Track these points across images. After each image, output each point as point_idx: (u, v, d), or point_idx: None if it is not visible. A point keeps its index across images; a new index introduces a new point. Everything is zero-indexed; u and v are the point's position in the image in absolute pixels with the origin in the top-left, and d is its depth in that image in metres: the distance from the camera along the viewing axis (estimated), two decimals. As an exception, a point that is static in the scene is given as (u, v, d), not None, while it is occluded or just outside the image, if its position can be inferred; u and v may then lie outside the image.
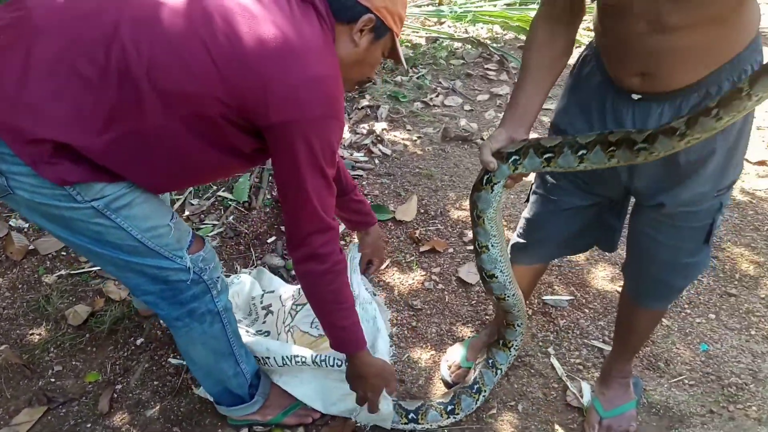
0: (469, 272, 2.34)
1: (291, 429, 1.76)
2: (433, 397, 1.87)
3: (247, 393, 1.69)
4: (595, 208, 1.55)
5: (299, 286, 2.04)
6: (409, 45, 4.26)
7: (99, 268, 2.24)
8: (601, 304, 2.23)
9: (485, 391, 1.81)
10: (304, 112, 1.19)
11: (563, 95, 1.49)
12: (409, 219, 2.62)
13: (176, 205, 2.60)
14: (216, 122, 1.21)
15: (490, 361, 1.84)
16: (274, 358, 1.71)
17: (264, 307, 2.03)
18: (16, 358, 1.93)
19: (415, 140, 3.22)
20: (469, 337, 2.05)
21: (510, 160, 1.35)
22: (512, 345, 1.81)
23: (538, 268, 1.80)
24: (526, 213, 1.65)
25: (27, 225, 2.48)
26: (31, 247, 2.36)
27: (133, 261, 1.35)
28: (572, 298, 2.25)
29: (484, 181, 1.41)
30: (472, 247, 2.48)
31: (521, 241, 1.67)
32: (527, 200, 1.65)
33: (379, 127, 3.26)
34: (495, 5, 4.82)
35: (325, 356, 1.66)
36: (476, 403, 1.79)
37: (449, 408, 1.76)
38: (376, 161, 3.01)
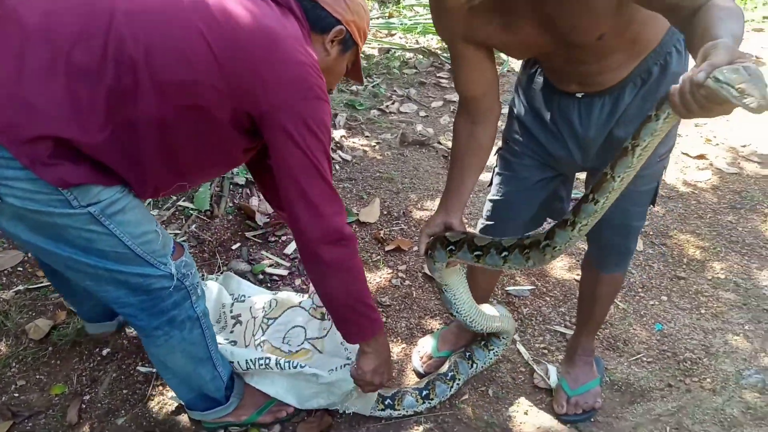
0: (434, 268, 2.39)
1: (267, 427, 1.76)
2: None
3: (223, 395, 1.69)
4: (554, 181, 1.64)
5: (270, 297, 2.04)
6: (363, 56, 4.33)
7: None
8: (561, 292, 2.32)
9: (459, 379, 1.86)
10: (301, 93, 1.24)
11: (512, 102, 1.62)
12: (372, 220, 2.66)
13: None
14: (209, 115, 1.22)
15: (468, 354, 1.90)
16: (238, 362, 1.71)
17: (233, 317, 2.02)
18: (-25, 376, 1.86)
19: (374, 146, 3.28)
20: (438, 329, 2.09)
21: (447, 249, 1.51)
22: (493, 350, 1.90)
23: None
24: (492, 195, 1.71)
25: (-21, 242, 2.40)
26: (-15, 263, 2.28)
27: (117, 270, 1.32)
28: (533, 287, 2.33)
29: (429, 255, 1.58)
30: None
31: (489, 223, 1.73)
32: (490, 183, 1.72)
33: (338, 134, 3.31)
34: (443, 17, 4.96)
35: (288, 361, 1.67)
36: (450, 390, 1.84)
37: (424, 393, 1.80)
38: (337, 167, 3.05)
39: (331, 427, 1.76)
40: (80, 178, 1.18)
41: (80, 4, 1.17)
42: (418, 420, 1.79)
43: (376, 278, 2.36)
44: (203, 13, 1.19)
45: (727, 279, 2.43)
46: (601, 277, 1.73)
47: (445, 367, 1.87)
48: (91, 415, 1.76)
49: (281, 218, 2.46)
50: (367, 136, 3.37)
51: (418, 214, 2.72)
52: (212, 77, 1.19)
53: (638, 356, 2.05)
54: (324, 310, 1.95)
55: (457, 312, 1.69)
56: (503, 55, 4.04)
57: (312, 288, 2.01)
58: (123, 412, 1.78)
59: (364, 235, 2.58)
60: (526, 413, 1.83)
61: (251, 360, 1.68)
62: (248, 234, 2.52)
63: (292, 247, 2.47)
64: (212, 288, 2.05)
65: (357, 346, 1.59)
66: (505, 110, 1.60)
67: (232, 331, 1.96)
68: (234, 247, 2.46)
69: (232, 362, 1.70)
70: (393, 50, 4.45)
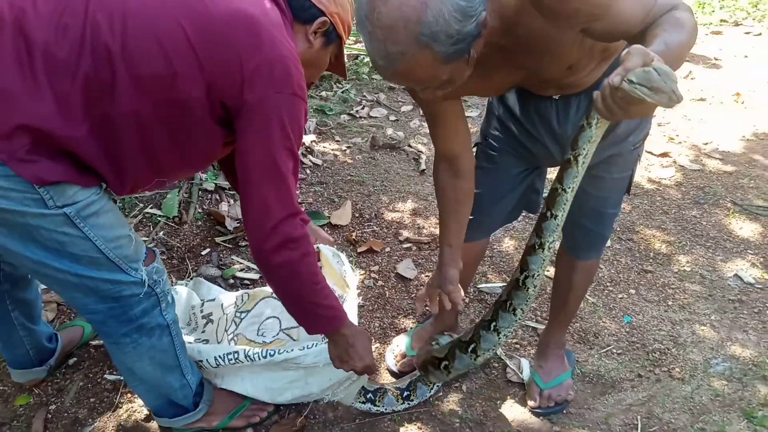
0: (407, 268, 2.40)
1: (239, 431, 1.73)
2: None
3: (192, 402, 1.65)
4: (531, 174, 1.68)
5: (242, 292, 2.03)
6: (332, 62, 4.35)
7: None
8: (533, 288, 2.34)
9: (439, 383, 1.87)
10: (279, 87, 1.21)
11: (489, 101, 1.64)
12: (344, 223, 2.65)
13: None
14: (188, 107, 1.20)
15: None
16: (207, 359, 1.67)
17: (204, 316, 1.99)
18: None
19: (345, 150, 3.28)
20: (412, 328, 2.09)
21: (442, 366, 1.66)
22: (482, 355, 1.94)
23: (483, 242, 1.88)
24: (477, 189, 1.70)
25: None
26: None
27: (88, 275, 1.29)
28: (504, 284, 2.35)
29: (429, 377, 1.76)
30: (407, 245, 2.56)
31: (471, 217, 1.72)
32: None
33: (308, 139, 3.30)
34: (412, 24, 5.01)
35: (257, 350, 1.64)
36: (430, 392, 1.84)
37: (405, 393, 1.79)
38: (308, 171, 3.04)
39: (305, 428, 1.74)
40: (58, 175, 1.15)
41: None
42: (393, 417, 1.78)
43: (357, 277, 2.35)
44: (182, 3, 1.17)
45: (692, 271, 2.49)
46: (577, 265, 1.76)
47: None
48: (57, 425, 1.72)
49: None
50: (337, 141, 3.37)
51: (389, 216, 2.73)
52: (190, 68, 1.16)
53: (608, 348, 2.08)
54: None
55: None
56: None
57: None
58: (90, 420, 1.73)
59: (336, 238, 2.57)
60: (499, 407, 1.84)
61: (220, 356, 1.65)
62: (218, 239, 2.49)
63: (263, 251, 2.45)
64: (181, 292, 2.02)
65: None
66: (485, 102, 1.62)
67: (203, 331, 1.93)
68: (203, 253, 2.43)
69: (201, 361, 1.67)
70: (362, 56, 4.46)
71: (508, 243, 2.62)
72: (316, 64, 1.46)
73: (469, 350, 1.56)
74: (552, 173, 1.75)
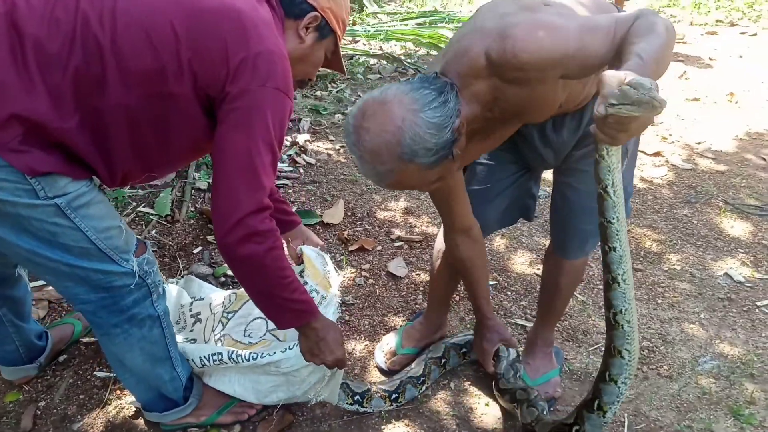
0: (398, 266, 2.41)
1: (226, 427, 1.74)
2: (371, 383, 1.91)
3: (182, 396, 1.67)
4: (526, 175, 1.71)
5: (230, 292, 2.03)
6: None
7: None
8: (522, 286, 2.35)
9: (428, 383, 1.88)
10: (262, 80, 1.21)
11: None
12: (336, 221, 2.66)
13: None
14: (177, 102, 1.21)
15: (443, 361, 1.92)
16: (192, 360, 1.68)
17: (193, 315, 2.00)
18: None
19: (338, 149, 3.29)
20: (401, 326, 2.10)
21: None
22: (469, 357, 1.98)
23: None
24: (471, 186, 1.71)
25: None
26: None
27: (79, 265, 1.30)
28: (495, 282, 2.36)
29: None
30: (399, 244, 2.57)
31: None
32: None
33: (302, 138, 3.31)
34: (407, 24, 5.03)
35: (241, 352, 1.63)
36: (419, 393, 1.85)
37: (394, 396, 1.80)
38: (301, 170, 3.06)
39: (293, 425, 1.75)
40: (49, 166, 1.17)
41: None
42: (381, 415, 1.79)
43: (339, 278, 2.36)
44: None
45: (682, 270, 2.50)
46: (564, 265, 1.76)
47: (419, 371, 1.86)
48: (46, 421, 1.72)
49: None
50: (331, 140, 3.38)
51: (381, 215, 2.74)
52: (178, 62, 1.18)
53: (597, 346, 2.09)
54: None
55: None
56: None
57: None
58: (79, 417, 1.74)
59: (327, 236, 2.58)
60: (487, 404, 1.84)
61: (204, 356, 1.66)
62: (210, 238, 2.50)
63: (254, 249, 2.46)
64: (171, 290, 2.03)
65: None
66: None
67: (191, 330, 1.93)
68: (195, 251, 2.44)
69: (187, 360, 1.68)
70: (357, 56, 4.48)
71: (499, 242, 2.62)
72: (310, 60, 1.45)
73: (595, 407, 1.46)
74: (548, 175, 1.79)
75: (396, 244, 2.56)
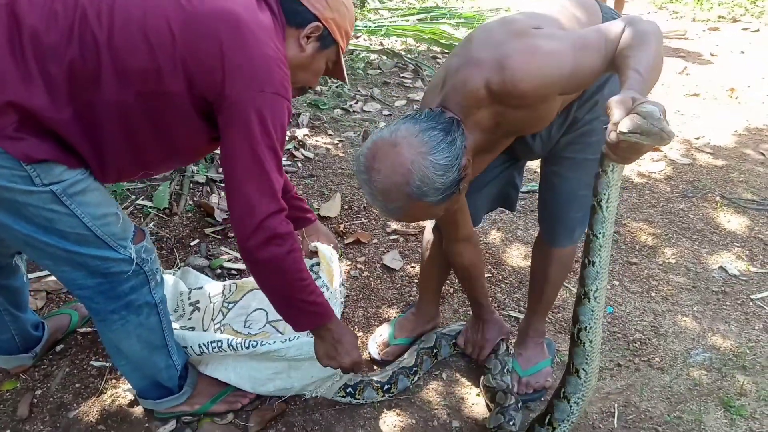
0: (393, 259, 2.42)
1: (220, 416, 1.76)
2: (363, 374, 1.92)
3: (177, 385, 1.69)
4: (511, 166, 1.73)
5: (229, 282, 2.05)
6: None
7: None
8: (516, 279, 2.37)
9: (420, 373, 1.89)
10: (260, 85, 1.22)
11: None
12: (333, 215, 2.68)
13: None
14: (171, 102, 1.23)
15: (435, 351, 1.93)
16: (191, 347, 1.70)
17: (191, 304, 2.02)
18: None
19: (337, 144, 3.31)
20: (395, 317, 2.12)
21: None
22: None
23: None
24: None
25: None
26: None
27: (76, 251, 1.32)
28: (489, 275, 2.37)
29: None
30: (395, 237, 2.58)
31: None
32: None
33: (301, 133, 3.33)
34: (408, 20, 5.04)
35: (240, 340, 1.66)
36: (411, 384, 1.87)
37: (386, 387, 1.81)
38: (299, 164, 3.07)
39: (285, 414, 1.77)
40: (44, 153, 1.19)
41: None
42: (373, 405, 1.80)
43: (343, 275, 2.38)
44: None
45: (677, 263, 2.50)
46: (552, 253, 1.78)
47: (411, 361, 1.88)
48: (42, 410, 1.75)
49: None
50: (330, 135, 3.40)
51: (378, 208, 2.75)
52: (173, 63, 1.19)
53: (590, 338, 2.10)
54: None
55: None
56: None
57: None
58: (75, 405, 1.77)
59: (324, 230, 2.60)
60: (478, 395, 1.86)
61: (204, 344, 1.68)
62: (207, 230, 2.53)
63: (251, 242, 2.48)
64: (168, 280, 2.05)
65: None
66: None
67: (190, 318, 1.95)
68: (192, 244, 2.46)
69: (186, 348, 1.70)
70: (357, 52, 4.49)
71: (495, 235, 2.64)
72: (311, 69, 1.45)
73: (546, 422, 1.52)
74: (533, 166, 1.82)
75: (391, 237, 2.57)
